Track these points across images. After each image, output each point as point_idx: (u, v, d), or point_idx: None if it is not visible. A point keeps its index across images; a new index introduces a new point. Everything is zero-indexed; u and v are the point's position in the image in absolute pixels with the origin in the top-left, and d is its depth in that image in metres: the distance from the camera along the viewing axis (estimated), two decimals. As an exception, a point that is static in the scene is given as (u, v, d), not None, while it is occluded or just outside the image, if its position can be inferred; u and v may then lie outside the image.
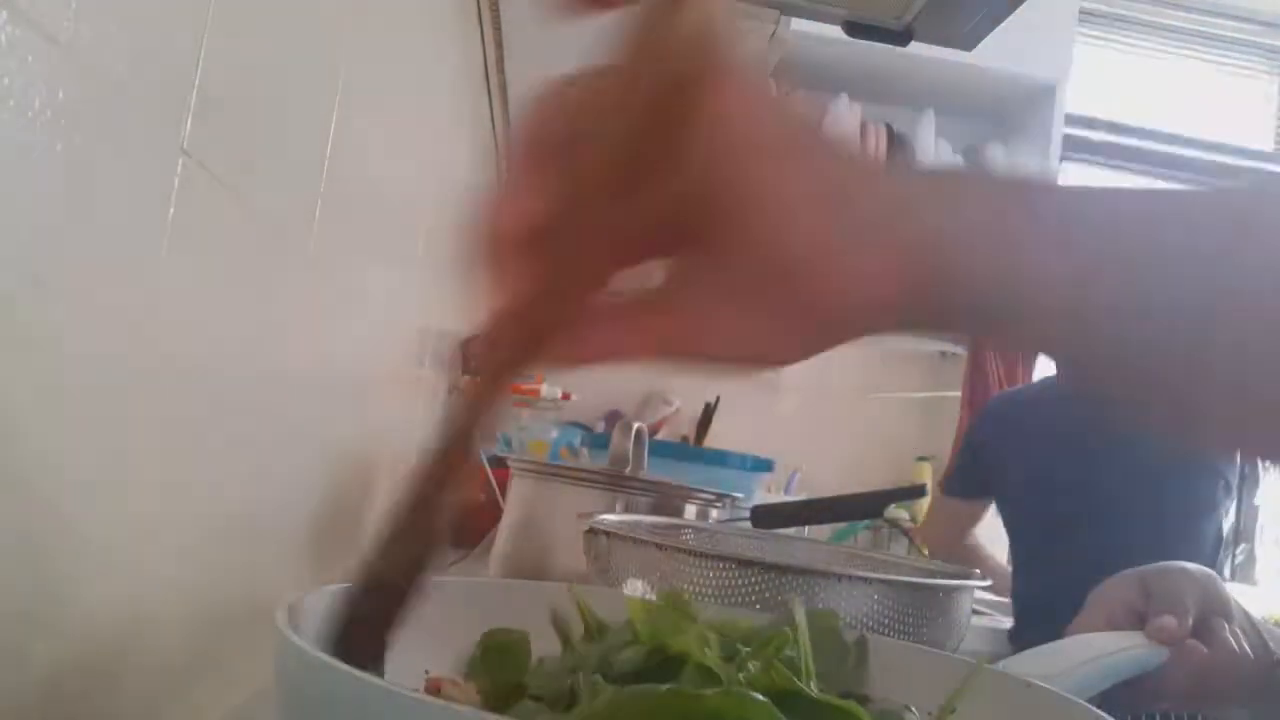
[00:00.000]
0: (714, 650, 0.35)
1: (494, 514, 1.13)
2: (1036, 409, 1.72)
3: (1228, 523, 1.70)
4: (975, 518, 1.89)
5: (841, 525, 1.89)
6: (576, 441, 1.89)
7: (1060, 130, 2.43)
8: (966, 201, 0.33)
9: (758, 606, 0.61)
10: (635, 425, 1.09)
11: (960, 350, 2.50)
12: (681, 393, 2.46)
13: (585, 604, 0.41)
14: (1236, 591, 0.79)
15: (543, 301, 0.30)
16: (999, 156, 2.43)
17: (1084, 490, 1.59)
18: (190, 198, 0.41)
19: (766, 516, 1.02)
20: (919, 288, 0.32)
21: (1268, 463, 0.47)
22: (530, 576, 0.91)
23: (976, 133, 2.53)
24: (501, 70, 1.36)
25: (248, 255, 0.51)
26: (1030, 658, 0.64)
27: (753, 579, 0.63)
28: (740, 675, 0.33)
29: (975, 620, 0.91)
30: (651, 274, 0.32)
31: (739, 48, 0.31)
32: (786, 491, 2.35)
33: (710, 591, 0.63)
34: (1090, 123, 2.68)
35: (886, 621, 0.63)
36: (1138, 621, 0.72)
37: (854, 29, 1.03)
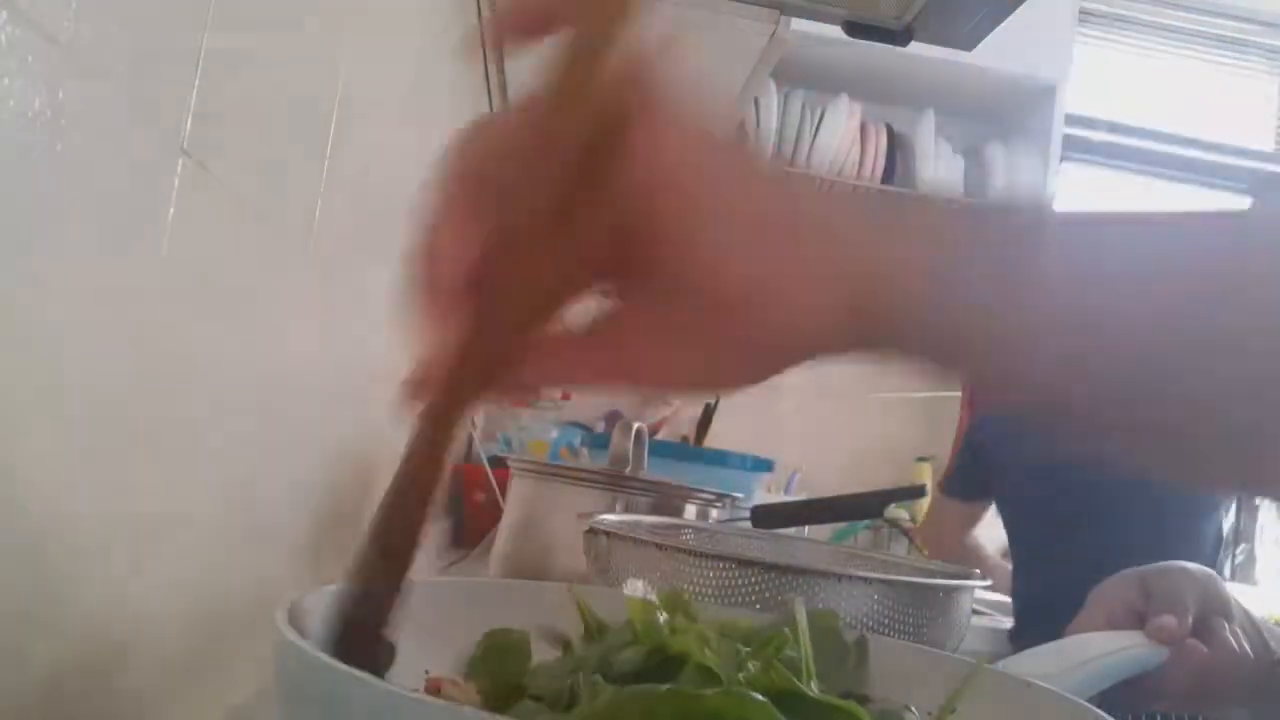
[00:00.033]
0: (714, 650, 0.35)
1: (494, 514, 1.13)
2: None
3: (1228, 523, 1.70)
4: (975, 518, 1.88)
5: (841, 525, 1.89)
6: (576, 441, 1.89)
7: (1060, 130, 2.43)
8: (908, 232, 0.32)
9: (758, 606, 0.61)
10: (635, 425, 1.09)
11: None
12: (681, 393, 2.46)
13: (585, 604, 0.41)
14: (1237, 591, 0.79)
15: (484, 340, 0.30)
16: (999, 156, 2.43)
17: (1084, 490, 1.59)
18: (190, 198, 0.41)
19: (766, 516, 1.02)
20: (858, 317, 0.31)
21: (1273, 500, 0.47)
22: (530, 576, 0.91)
23: (976, 133, 2.53)
24: (501, 70, 1.36)
25: (248, 255, 0.51)
26: (1030, 658, 0.64)
27: (753, 579, 0.63)
28: (740, 675, 0.33)
29: (975, 620, 0.91)
30: (597, 304, 0.33)
31: (669, 78, 0.31)
32: (786, 491, 2.35)
33: (710, 591, 0.63)
34: (1090, 123, 2.68)
35: (886, 621, 0.63)
36: (1138, 621, 0.72)
37: (854, 29, 1.03)
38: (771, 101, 2.30)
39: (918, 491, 1.79)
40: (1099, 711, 0.35)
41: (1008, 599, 1.72)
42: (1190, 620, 0.71)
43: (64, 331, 0.33)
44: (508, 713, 0.35)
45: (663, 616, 0.38)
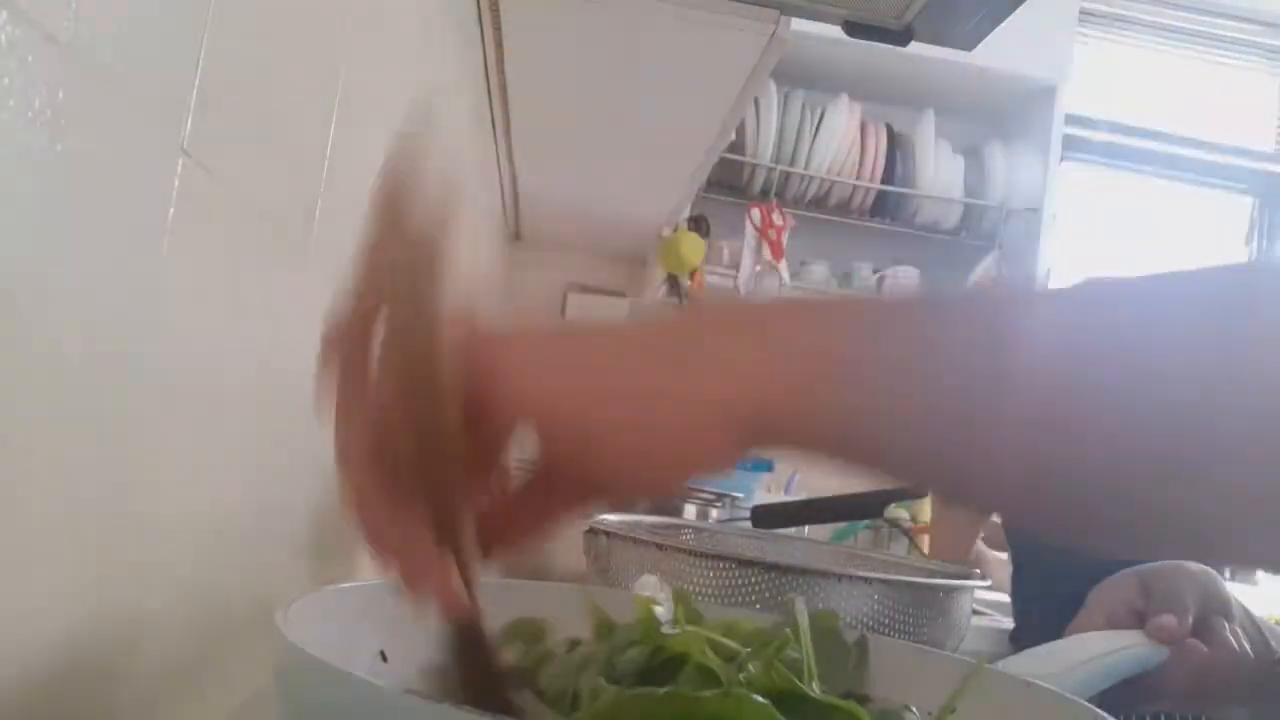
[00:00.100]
0: (716, 651, 0.35)
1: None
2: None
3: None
4: (979, 522, 1.88)
5: (841, 525, 1.89)
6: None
7: (1060, 130, 2.43)
8: (791, 340, 0.32)
9: (758, 606, 0.61)
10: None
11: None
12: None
13: (596, 605, 0.41)
14: (1237, 590, 0.79)
15: (424, 538, 0.32)
16: (999, 156, 2.43)
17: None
18: (190, 198, 0.41)
19: (766, 516, 1.02)
20: (745, 441, 0.31)
21: (1270, 571, 0.46)
22: (530, 576, 0.91)
23: (976, 133, 2.53)
24: (501, 70, 1.35)
25: (248, 255, 0.51)
26: (1030, 658, 0.64)
27: (753, 579, 0.63)
28: (741, 676, 0.33)
29: (975, 620, 0.91)
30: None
31: (463, 291, 0.32)
32: (786, 491, 2.35)
33: (710, 591, 0.63)
34: (1090, 123, 2.68)
35: (886, 621, 0.63)
36: (1138, 621, 0.72)
37: (854, 29, 1.03)
38: (771, 101, 2.31)
39: (918, 491, 1.79)
40: (1099, 711, 0.35)
41: (1007, 599, 1.72)
42: (1190, 620, 0.71)
43: (64, 331, 0.33)
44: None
45: (669, 615, 0.38)
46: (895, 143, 2.40)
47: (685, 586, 0.63)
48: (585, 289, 2.61)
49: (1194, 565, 0.77)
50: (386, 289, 0.32)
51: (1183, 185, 2.81)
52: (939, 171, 2.39)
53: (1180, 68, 2.81)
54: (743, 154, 2.32)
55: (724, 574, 0.63)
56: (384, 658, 0.43)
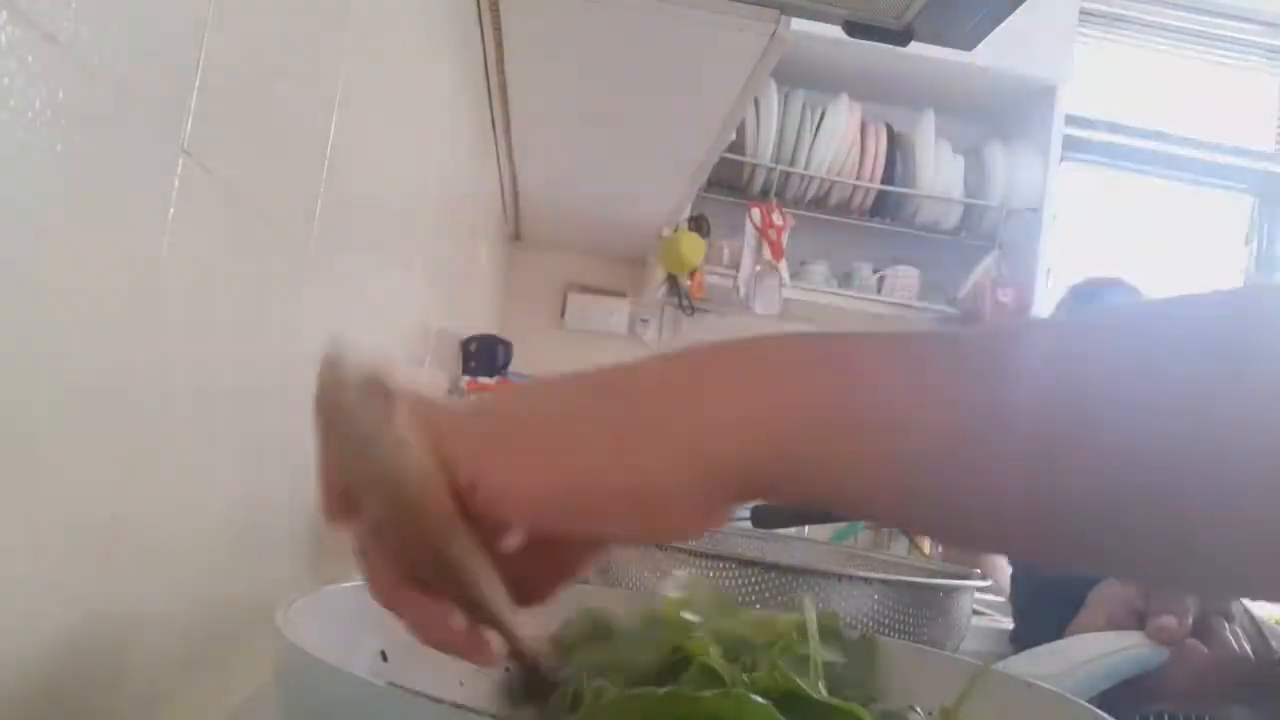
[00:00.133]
0: (724, 651, 0.35)
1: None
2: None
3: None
4: None
5: (841, 525, 1.89)
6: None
7: (1060, 130, 2.43)
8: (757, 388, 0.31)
9: (758, 606, 0.61)
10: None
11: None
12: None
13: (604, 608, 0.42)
14: (1237, 591, 0.78)
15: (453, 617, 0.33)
16: (999, 156, 2.43)
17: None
18: (190, 198, 0.41)
19: (766, 516, 1.02)
20: (733, 496, 0.31)
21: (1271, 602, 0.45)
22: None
23: (976, 133, 2.53)
24: (501, 70, 1.36)
25: (248, 255, 0.51)
26: (1030, 658, 0.64)
27: (753, 579, 0.63)
28: (745, 676, 0.33)
29: (975, 620, 0.91)
30: None
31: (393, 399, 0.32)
32: (786, 491, 2.35)
33: (710, 591, 0.63)
34: (1090, 123, 2.68)
35: (886, 621, 0.63)
36: (1138, 621, 0.72)
37: (854, 29, 1.03)
38: (771, 101, 2.31)
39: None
40: (1099, 712, 0.35)
41: (1007, 599, 1.72)
42: (1190, 620, 0.71)
43: (64, 331, 0.33)
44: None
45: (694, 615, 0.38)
46: (895, 143, 2.40)
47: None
48: (585, 289, 2.62)
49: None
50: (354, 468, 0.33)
51: (1183, 185, 2.81)
52: (939, 171, 2.39)
53: (1180, 68, 2.81)
54: (743, 154, 2.32)
55: (724, 574, 0.63)
56: (384, 658, 0.43)
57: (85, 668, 0.38)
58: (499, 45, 1.28)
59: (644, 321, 2.59)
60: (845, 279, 2.47)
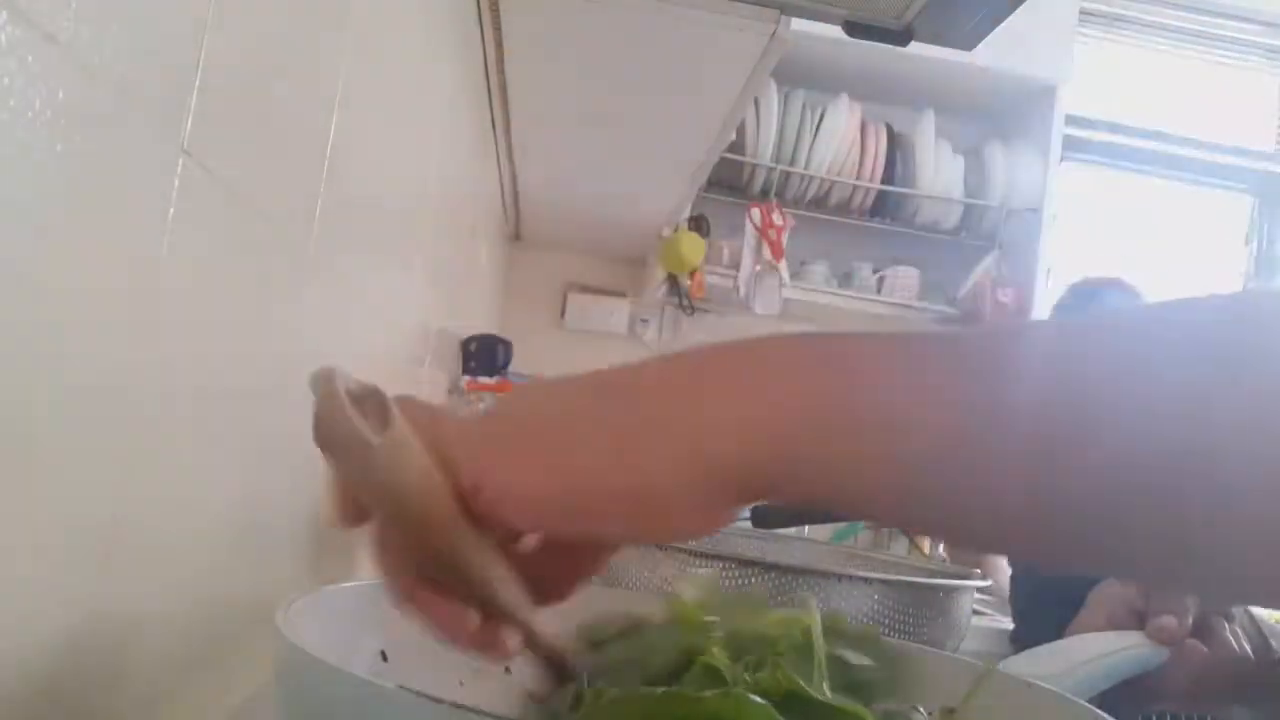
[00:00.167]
0: (732, 651, 0.36)
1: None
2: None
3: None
4: None
5: (841, 525, 1.89)
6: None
7: (1060, 130, 2.43)
8: (730, 398, 0.31)
9: (758, 607, 0.61)
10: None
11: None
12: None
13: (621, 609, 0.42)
14: (1237, 591, 0.78)
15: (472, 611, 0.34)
16: (999, 156, 2.43)
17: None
18: (190, 198, 0.41)
19: (766, 516, 1.02)
20: (735, 498, 0.31)
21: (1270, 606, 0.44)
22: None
23: (976, 133, 2.53)
24: (501, 70, 1.36)
25: (248, 255, 0.51)
26: (1030, 658, 0.64)
27: (753, 579, 0.63)
28: (747, 676, 0.33)
29: (975, 620, 0.91)
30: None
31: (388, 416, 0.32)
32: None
33: (710, 591, 0.63)
34: (1090, 123, 2.68)
35: (886, 621, 0.63)
36: (1138, 621, 0.72)
37: (854, 29, 1.03)
38: (771, 101, 2.31)
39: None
40: (1099, 712, 0.36)
41: (1007, 599, 1.72)
42: (1190, 620, 0.71)
43: (64, 331, 0.33)
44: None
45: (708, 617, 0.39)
46: (895, 143, 2.40)
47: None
48: (585, 289, 2.62)
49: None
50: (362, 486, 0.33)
51: (1183, 185, 2.81)
52: (939, 171, 2.39)
53: (1180, 68, 2.81)
54: (743, 154, 2.32)
55: (724, 574, 0.63)
56: (384, 657, 0.43)
57: (85, 668, 0.38)
58: (499, 45, 1.28)
59: (644, 321, 2.59)
60: (845, 279, 2.47)
